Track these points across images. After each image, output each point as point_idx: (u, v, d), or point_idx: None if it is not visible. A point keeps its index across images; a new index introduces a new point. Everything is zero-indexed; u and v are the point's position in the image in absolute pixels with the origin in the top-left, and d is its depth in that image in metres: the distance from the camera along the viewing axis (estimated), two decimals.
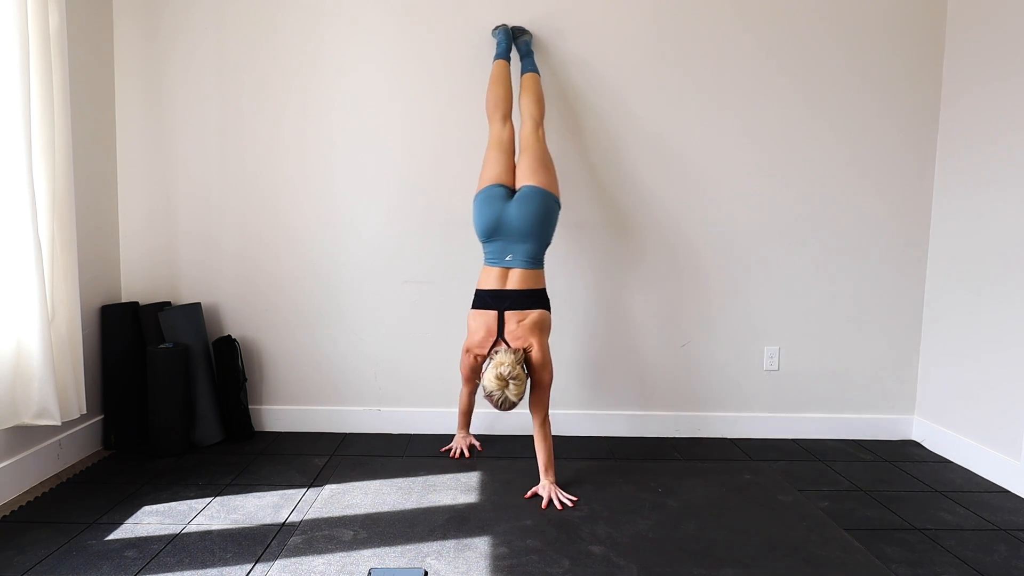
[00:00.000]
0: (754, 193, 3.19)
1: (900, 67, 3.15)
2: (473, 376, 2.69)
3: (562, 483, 2.56)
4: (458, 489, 2.52)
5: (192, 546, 2.10)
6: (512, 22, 3.08)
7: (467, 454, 2.88)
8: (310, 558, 2.00)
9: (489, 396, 2.41)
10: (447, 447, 2.96)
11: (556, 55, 3.12)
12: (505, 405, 2.39)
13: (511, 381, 2.36)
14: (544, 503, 2.40)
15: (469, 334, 2.62)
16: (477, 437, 3.06)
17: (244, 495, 2.49)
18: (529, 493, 2.48)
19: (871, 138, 3.18)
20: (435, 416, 3.23)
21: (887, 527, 2.33)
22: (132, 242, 3.17)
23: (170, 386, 2.89)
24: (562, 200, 3.09)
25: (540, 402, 2.54)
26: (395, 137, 3.14)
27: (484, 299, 2.59)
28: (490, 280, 2.60)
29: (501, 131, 2.82)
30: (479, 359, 2.60)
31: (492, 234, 2.62)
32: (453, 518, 2.27)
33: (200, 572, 1.95)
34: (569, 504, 2.40)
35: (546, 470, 2.51)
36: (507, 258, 2.59)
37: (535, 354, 2.49)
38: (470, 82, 3.11)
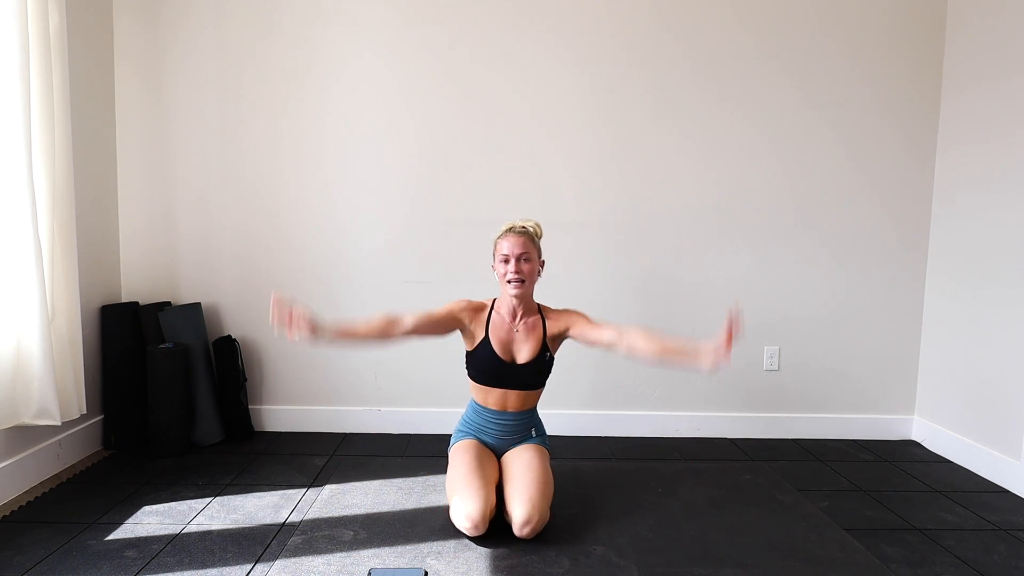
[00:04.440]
0: (754, 193, 3.19)
1: (900, 66, 3.15)
2: (424, 321, 2.22)
3: (561, 482, 2.49)
4: None
5: (192, 546, 2.10)
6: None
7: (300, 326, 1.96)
8: (310, 558, 2.00)
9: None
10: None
11: (559, 58, 3.12)
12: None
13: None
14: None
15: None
16: None
17: (244, 495, 2.49)
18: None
19: (871, 138, 3.18)
20: (435, 416, 3.22)
21: (887, 527, 2.33)
22: (132, 242, 3.17)
23: (170, 386, 2.89)
24: (562, 199, 3.11)
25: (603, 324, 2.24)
26: (395, 135, 3.14)
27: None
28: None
29: None
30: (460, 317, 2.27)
31: None
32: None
33: (200, 572, 1.95)
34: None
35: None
36: None
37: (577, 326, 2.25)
38: (471, 80, 3.11)
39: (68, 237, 2.60)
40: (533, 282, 2.27)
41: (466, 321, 2.29)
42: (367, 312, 3.18)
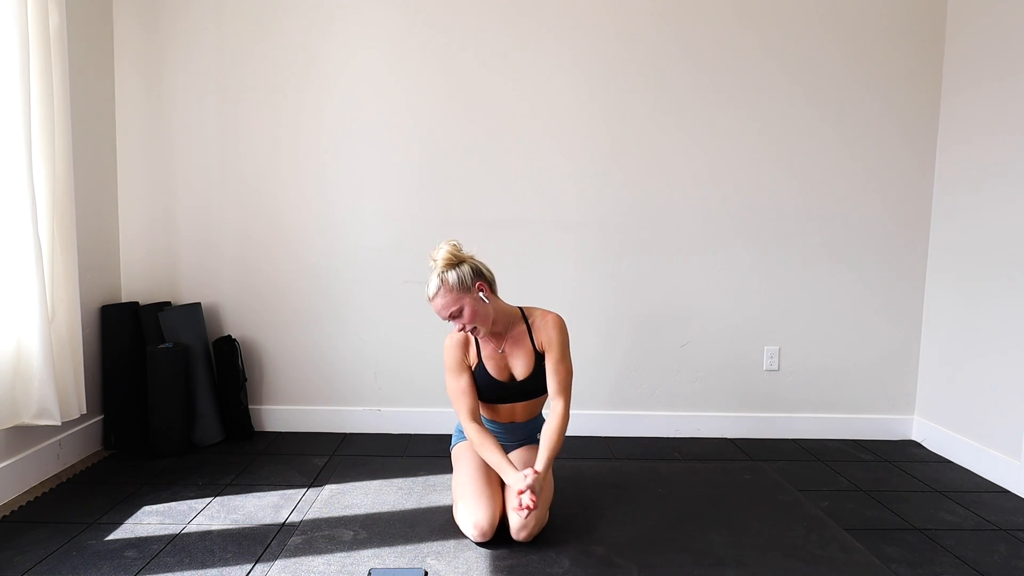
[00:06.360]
0: (754, 192, 3.19)
1: (900, 65, 3.15)
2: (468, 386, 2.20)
3: (561, 482, 2.52)
4: None
5: (192, 546, 2.10)
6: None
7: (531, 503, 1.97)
8: (310, 558, 2.00)
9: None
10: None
11: (559, 57, 3.12)
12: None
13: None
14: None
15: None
16: None
17: (244, 495, 2.49)
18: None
19: (871, 137, 3.18)
20: (435, 416, 3.23)
21: (887, 527, 2.33)
22: (132, 242, 3.17)
23: (170, 386, 2.89)
24: (562, 199, 3.09)
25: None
26: (395, 135, 3.14)
27: None
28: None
29: None
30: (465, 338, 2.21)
31: None
32: (453, 518, 2.27)
33: (200, 572, 1.95)
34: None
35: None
36: None
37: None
38: (471, 79, 3.11)
39: (68, 237, 2.60)
40: (487, 314, 2.12)
41: (468, 358, 2.23)
42: (366, 311, 3.21)
